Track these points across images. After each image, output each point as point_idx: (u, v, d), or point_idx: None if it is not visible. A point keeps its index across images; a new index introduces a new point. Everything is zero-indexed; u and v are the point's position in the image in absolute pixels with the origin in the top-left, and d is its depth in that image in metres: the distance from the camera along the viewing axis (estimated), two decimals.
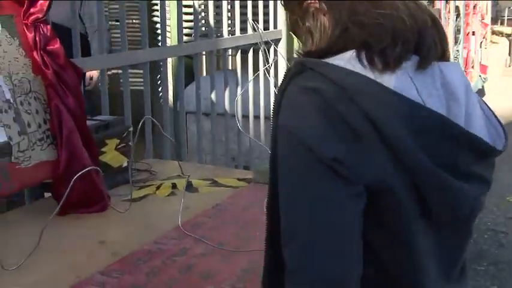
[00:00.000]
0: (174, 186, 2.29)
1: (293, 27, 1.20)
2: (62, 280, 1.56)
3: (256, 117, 3.93)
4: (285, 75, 1.07)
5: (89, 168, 1.92)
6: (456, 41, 6.81)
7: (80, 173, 1.83)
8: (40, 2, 1.93)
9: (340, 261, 0.98)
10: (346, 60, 1.03)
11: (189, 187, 2.30)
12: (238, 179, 2.38)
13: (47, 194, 2.19)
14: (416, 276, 1.05)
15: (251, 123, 3.88)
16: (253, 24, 3.56)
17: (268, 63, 3.22)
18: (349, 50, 1.04)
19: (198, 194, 2.22)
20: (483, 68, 8.12)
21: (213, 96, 3.43)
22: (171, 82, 4.35)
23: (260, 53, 3.69)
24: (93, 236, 1.85)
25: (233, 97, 3.57)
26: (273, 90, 3.78)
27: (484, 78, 7.95)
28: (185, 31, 3.59)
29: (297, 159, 1.00)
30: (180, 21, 3.11)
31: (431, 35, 1.06)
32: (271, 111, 1.08)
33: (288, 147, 1.01)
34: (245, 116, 3.81)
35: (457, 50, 6.77)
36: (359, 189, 0.98)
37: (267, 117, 4.04)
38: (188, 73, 3.47)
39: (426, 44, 1.05)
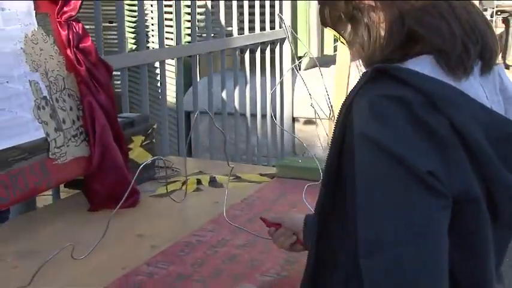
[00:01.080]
0: (198, 182, 2.34)
1: (333, 22, 1.18)
2: (109, 271, 1.59)
3: (264, 116, 3.98)
4: (360, 81, 1.05)
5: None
6: None
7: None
8: (73, 0, 1.97)
9: (435, 276, 0.94)
10: (425, 66, 1.01)
11: (214, 182, 2.35)
12: (261, 175, 2.43)
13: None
14: (486, 283, 1.05)
15: (258, 122, 3.92)
16: (280, 20, 3.60)
17: (297, 59, 3.23)
18: (419, 55, 1.03)
19: (224, 189, 2.26)
20: None
21: (223, 95, 3.47)
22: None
23: (276, 51, 3.74)
24: (130, 230, 1.88)
25: (243, 96, 3.62)
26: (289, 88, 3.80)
27: None
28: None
29: (385, 171, 0.96)
30: (194, 19, 3.16)
31: (491, 39, 1.06)
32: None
33: (374, 158, 0.97)
34: (253, 115, 3.86)
35: None
36: (448, 202, 0.96)
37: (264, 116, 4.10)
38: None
39: (488, 49, 1.05)
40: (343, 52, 3.04)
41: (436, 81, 0.99)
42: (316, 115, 2.50)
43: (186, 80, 3.45)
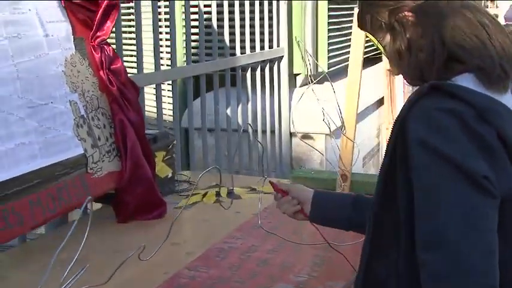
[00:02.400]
0: (217, 194, 2.47)
1: (373, 29, 1.27)
2: (153, 276, 1.71)
3: (264, 131, 4.13)
4: (413, 96, 1.13)
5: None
6: None
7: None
8: (106, 25, 2.10)
9: (493, 266, 1.03)
10: (469, 82, 1.11)
11: (231, 194, 2.49)
12: (261, 187, 2.56)
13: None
14: None
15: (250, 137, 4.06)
16: (298, 42, 3.75)
17: (312, 80, 3.36)
18: (461, 72, 1.13)
19: (243, 200, 2.40)
20: None
21: (228, 111, 3.62)
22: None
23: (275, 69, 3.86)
24: (163, 239, 2.00)
25: (244, 112, 3.76)
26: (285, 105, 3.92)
27: None
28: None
29: (445, 175, 1.05)
30: (202, 39, 3.30)
31: None
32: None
33: (433, 163, 1.06)
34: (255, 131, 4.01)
35: None
36: (498, 202, 1.06)
37: (272, 131, 4.25)
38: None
39: None
40: (355, 69, 3.16)
41: (483, 96, 1.10)
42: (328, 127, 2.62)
43: (183, 99, 3.61)
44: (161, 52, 3.58)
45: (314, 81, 4.08)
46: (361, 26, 1.32)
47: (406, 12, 1.20)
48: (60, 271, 1.49)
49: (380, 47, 1.29)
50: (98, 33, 2.09)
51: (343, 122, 2.78)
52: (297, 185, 1.70)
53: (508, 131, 1.07)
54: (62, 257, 1.85)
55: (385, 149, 1.19)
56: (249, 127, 3.83)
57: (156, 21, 2.98)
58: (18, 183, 1.73)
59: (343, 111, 2.98)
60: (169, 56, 3.35)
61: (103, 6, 2.07)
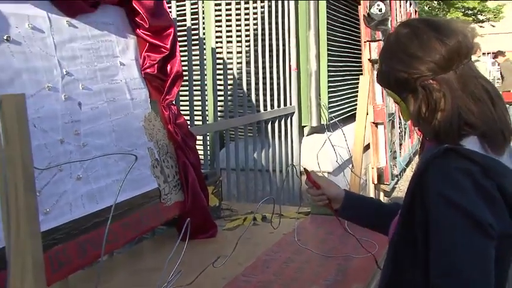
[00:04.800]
0: (254, 218, 2.54)
1: (395, 87, 1.19)
2: (214, 281, 1.77)
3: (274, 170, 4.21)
4: (431, 156, 1.11)
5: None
6: None
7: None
8: (173, 90, 2.20)
9: None
10: (474, 145, 1.11)
11: (265, 218, 2.56)
12: (297, 212, 2.64)
13: None
14: None
15: (271, 175, 4.13)
16: (323, 105, 3.83)
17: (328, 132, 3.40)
18: (469, 135, 1.11)
19: (274, 223, 2.47)
20: None
21: (255, 155, 3.70)
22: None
23: (288, 122, 3.95)
24: (217, 253, 2.05)
25: (267, 155, 3.85)
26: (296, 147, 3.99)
27: None
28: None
29: (458, 222, 1.05)
30: (235, 99, 3.40)
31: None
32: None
33: (449, 212, 1.06)
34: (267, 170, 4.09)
35: None
36: (496, 242, 1.07)
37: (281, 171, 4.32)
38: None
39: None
40: (360, 121, 3.22)
41: (487, 157, 1.10)
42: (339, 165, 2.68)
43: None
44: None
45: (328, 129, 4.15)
46: (382, 82, 1.24)
47: (431, 80, 1.13)
48: (157, 275, 1.55)
49: (398, 102, 1.22)
50: (167, 97, 2.18)
51: (352, 161, 2.86)
52: (329, 182, 1.62)
53: (506, 185, 1.08)
54: (152, 265, 1.93)
55: (406, 194, 1.17)
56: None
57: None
58: (114, 210, 1.79)
59: (352, 152, 3.04)
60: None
61: (171, 77, 2.18)
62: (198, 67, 3.09)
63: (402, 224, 1.20)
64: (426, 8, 19.66)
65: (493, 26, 21.48)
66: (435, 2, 20.57)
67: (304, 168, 1.66)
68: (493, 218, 1.05)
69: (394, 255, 1.24)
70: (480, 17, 21.39)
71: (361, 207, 1.60)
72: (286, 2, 4.26)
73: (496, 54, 11.22)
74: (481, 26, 20.65)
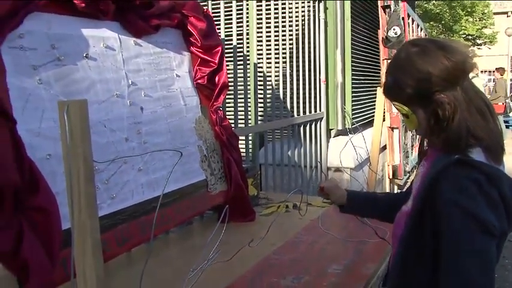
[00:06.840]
0: (287, 206, 2.50)
1: (405, 100, 1.09)
2: (249, 257, 1.73)
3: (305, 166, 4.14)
4: (441, 166, 1.04)
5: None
6: None
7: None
8: (220, 98, 2.18)
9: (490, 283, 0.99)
10: (480, 156, 1.04)
11: (295, 207, 2.51)
12: (323, 202, 2.57)
13: None
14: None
15: (302, 169, 4.07)
16: (346, 112, 3.75)
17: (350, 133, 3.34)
18: (475, 146, 1.04)
19: (302, 211, 2.41)
20: None
21: (289, 153, 3.65)
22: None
23: (317, 126, 3.87)
24: (253, 235, 2.01)
25: (299, 153, 3.80)
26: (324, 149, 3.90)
27: None
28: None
29: (468, 225, 0.99)
30: (273, 104, 3.35)
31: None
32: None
33: (459, 217, 1.00)
34: (303, 166, 4.02)
35: None
36: (497, 240, 1.02)
37: (315, 166, 4.25)
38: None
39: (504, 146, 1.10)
40: (377, 126, 3.14)
41: (491, 166, 1.04)
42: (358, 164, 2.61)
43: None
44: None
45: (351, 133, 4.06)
46: (389, 95, 1.12)
47: (442, 95, 1.04)
48: (198, 253, 1.50)
49: (405, 113, 1.10)
50: (215, 103, 2.17)
51: (370, 159, 2.78)
52: (331, 185, 1.54)
53: (505, 190, 1.03)
54: (198, 244, 1.91)
55: (417, 199, 1.09)
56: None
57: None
58: (168, 197, 1.80)
59: (370, 151, 2.97)
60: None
61: (219, 86, 2.16)
62: (243, 79, 3.06)
63: (411, 227, 1.10)
64: (434, 33, 19.50)
65: (489, 48, 21.59)
66: (440, 27, 20.41)
67: (319, 184, 1.62)
68: (496, 220, 1.00)
69: (404, 256, 1.13)
70: (478, 41, 21.53)
71: (360, 205, 1.55)
72: (317, 25, 4.19)
73: (498, 69, 10.88)
74: (479, 48, 20.69)
